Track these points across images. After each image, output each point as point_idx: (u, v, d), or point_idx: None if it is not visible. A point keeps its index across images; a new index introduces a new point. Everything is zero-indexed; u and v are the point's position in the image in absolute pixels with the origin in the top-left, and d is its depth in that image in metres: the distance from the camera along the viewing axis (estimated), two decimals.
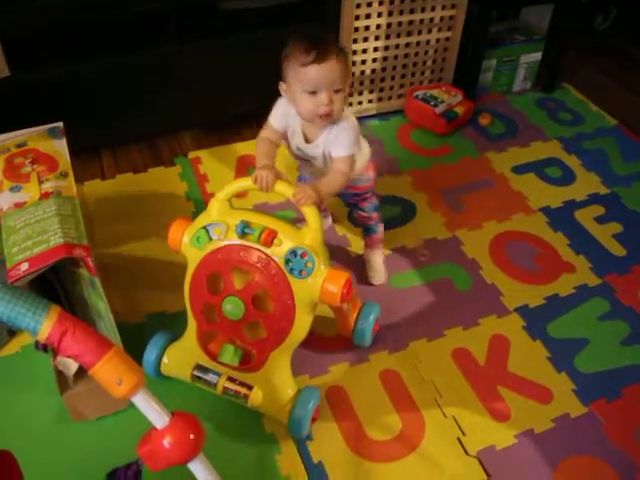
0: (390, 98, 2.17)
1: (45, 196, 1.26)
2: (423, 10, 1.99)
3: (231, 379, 1.26)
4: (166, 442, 0.74)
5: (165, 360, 1.32)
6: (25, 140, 1.40)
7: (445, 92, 2.14)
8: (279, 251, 1.17)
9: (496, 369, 1.41)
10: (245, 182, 1.23)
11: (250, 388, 1.25)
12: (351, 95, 2.08)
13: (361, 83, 2.09)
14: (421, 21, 2.01)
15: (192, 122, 2.02)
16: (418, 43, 2.07)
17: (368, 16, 1.93)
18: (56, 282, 1.33)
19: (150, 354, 1.32)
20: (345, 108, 1.29)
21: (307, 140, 1.32)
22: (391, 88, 2.15)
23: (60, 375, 1.31)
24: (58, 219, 1.20)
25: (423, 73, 2.17)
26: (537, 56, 2.27)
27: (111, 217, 1.76)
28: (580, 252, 1.70)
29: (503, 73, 2.26)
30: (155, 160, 1.96)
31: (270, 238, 1.16)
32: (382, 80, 2.12)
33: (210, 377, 1.27)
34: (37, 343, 0.72)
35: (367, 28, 1.96)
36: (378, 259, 1.60)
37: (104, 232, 1.69)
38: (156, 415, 0.74)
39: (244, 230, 1.18)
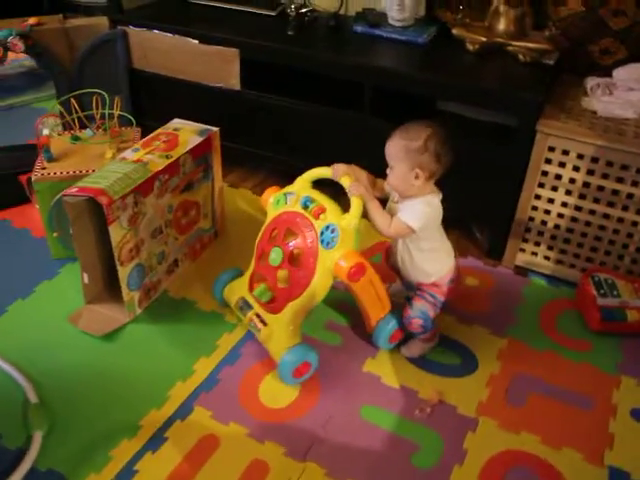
0: (573, 267, 1.84)
1: (138, 161, 1.63)
2: (635, 184, 1.64)
3: (257, 315, 1.55)
4: None
5: (226, 289, 1.67)
6: (181, 127, 1.81)
7: (635, 290, 1.70)
8: (321, 224, 1.44)
9: None
10: (324, 170, 1.54)
11: (265, 324, 1.53)
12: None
13: (539, 233, 1.84)
14: (629, 196, 1.66)
15: None
16: (621, 219, 1.70)
17: (562, 164, 1.71)
18: None
19: (218, 284, 1.69)
20: (430, 195, 1.44)
21: (394, 201, 1.53)
22: (576, 256, 1.83)
23: (88, 289, 1.69)
24: (120, 175, 1.55)
25: (621, 257, 1.76)
26: None
27: (239, 216, 2.11)
28: None
29: None
30: None
31: (318, 212, 1.45)
32: (566, 242, 1.82)
33: (245, 309, 1.58)
34: None
35: (558, 177, 1.73)
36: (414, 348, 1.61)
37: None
38: None
39: (306, 203, 1.49)
